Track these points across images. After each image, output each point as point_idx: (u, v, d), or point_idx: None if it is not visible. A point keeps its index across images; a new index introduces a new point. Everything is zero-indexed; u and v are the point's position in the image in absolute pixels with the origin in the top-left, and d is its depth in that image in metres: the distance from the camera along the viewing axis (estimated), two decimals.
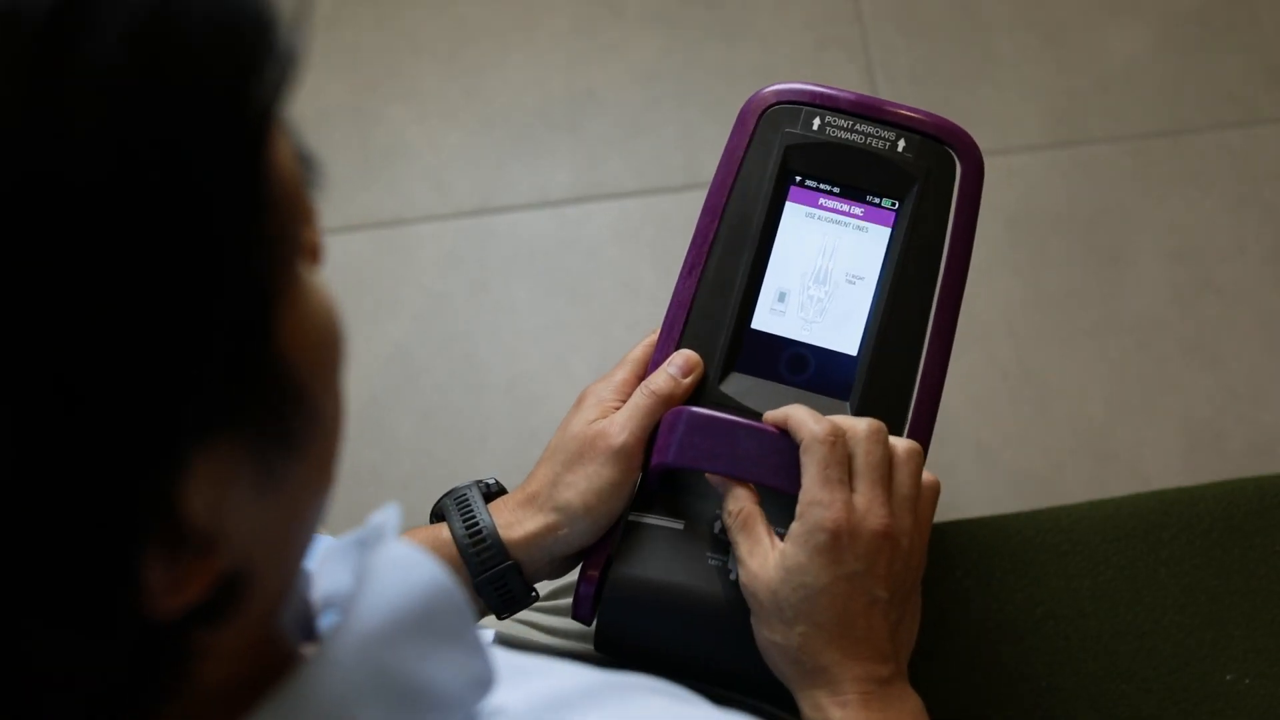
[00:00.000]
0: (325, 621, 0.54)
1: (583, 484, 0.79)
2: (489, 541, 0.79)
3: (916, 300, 0.83)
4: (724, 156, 0.87)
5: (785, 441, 0.77)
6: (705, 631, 0.79)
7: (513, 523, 0.80)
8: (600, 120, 1.70)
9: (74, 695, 0.37)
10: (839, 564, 0.71)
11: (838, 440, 0.73)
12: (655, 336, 0.85)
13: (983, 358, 1.55)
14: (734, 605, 0.78)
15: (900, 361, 0.83)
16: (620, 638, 0.81)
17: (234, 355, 0.36)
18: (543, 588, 0.92)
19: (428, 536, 0.80)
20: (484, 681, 0.48)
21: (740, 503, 0.76)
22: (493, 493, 0.85)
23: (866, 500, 0.73)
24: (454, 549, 0.79)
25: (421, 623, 0.46)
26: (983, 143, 1.65)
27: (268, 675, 0.44)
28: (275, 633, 0.47)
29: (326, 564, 0.56)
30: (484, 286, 1.61)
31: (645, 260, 1.60)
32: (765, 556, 0.74)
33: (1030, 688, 1.04)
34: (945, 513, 1.47)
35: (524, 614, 0.91)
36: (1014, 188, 1.65)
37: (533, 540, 0.80)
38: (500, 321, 1.59)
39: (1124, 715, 1.04)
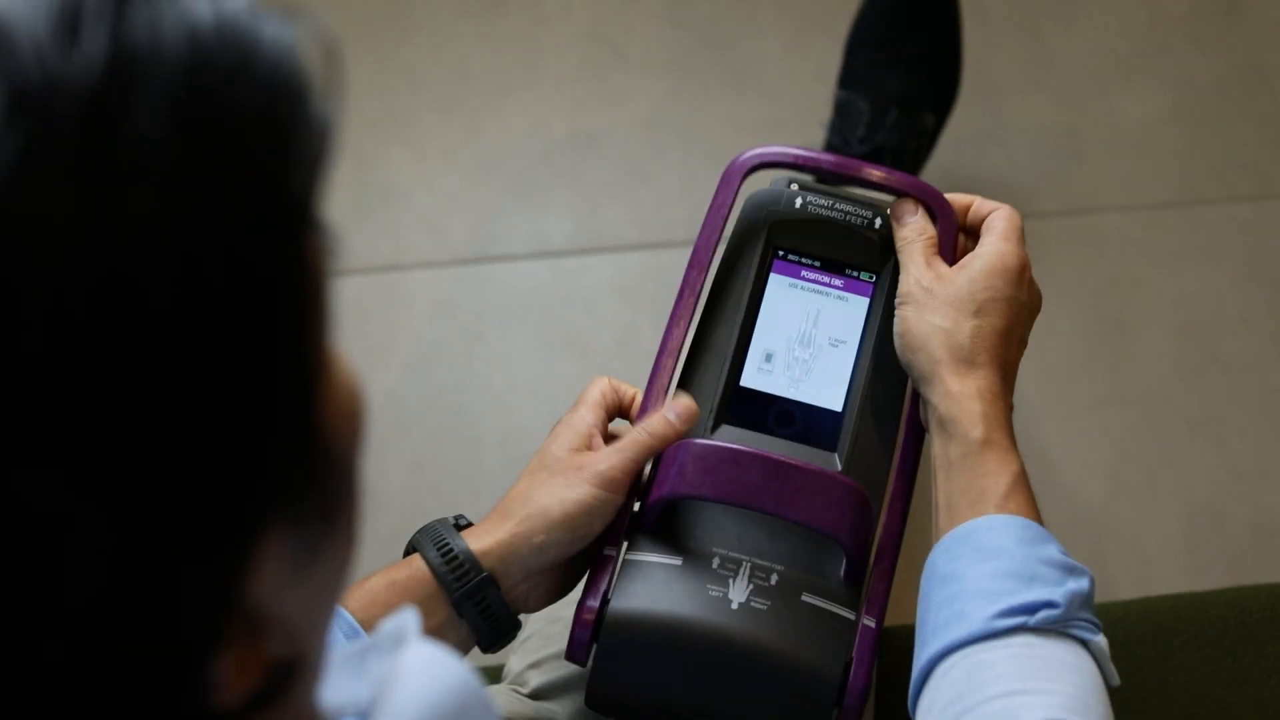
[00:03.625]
0: None
1: (562, 493, 0.80)
2: (463, 559, 0.78)
3: (897, 363, 0.86)
4: (709, 215, 0.91)
5: (788, 469, 0.80)
6: (707, 668, 0.79)
7: (484, 535, 0.80)
8: (602, 168, 1.67)
9: None
10: (1020, 289, 0.81)
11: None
12: (604, 379, 0.88)
13: None
14: (737, 638, 0.78)
15: (884, 417, 0.87)
16: (615, 686, 0.81)
17: (291, 435, 0.37)
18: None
19: (402, 569, 0.80)
20: None
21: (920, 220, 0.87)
22: (461, 526, 0.84)
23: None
24: (429, 577, 0.79)
25: None
26: None
27: None
28: (313, 713, 0.47)
29: (334, 673, 0.55)
30: (479, 337, 1.58)
31: (645, 315, 1.57)
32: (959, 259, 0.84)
33: None
34: None
35: (515, 698, 0.91)
36: None
37: (507, 548, 0.79)
38: (494, 374, 1.56)
39: None
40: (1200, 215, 1.65)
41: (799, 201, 0.91)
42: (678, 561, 0.81)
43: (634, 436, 0.82)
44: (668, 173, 1.67)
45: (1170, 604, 1.10)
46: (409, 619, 0.52)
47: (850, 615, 0.80)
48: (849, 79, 1.51)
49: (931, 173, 1.62)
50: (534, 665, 0.94)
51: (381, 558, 0.87)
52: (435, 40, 1.75)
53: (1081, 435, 1.54)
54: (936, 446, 0.79)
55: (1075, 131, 1.70)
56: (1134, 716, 1.01)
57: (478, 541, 0.80)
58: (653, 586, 0.80)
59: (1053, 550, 0.73)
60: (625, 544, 0.83)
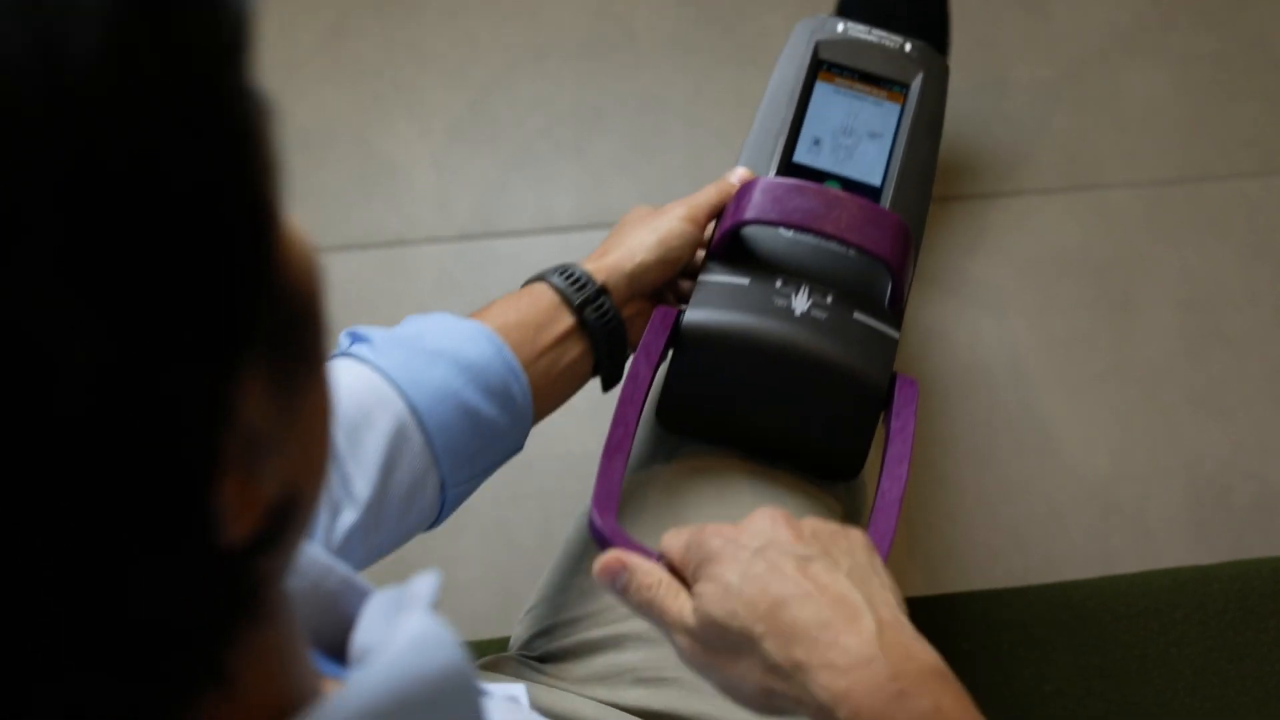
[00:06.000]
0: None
1: (652, 222, 0.94)
2: (579, 274, 0.91)
3: (924, 155, 1.02)
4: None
5: (845, 200, 0.90)
6: (772, 370, 0.90)
7: (588, 262, 0.93)
8: (608, 143, 1.67)
9: (168, 632, 0.37)
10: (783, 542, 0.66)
11: None
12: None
13: (987, 403, 1.53)
14: (800, 341, 0.90)
15: (915, 192, 1.00)
16: (686, 390, 0.94)
17: (259, 273, 0.38)
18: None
19: (522, 291, 0.92)
20: None
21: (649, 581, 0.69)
22: None
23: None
24: (549, 291, 0.91)
25: (425, 709, 0.45)
26: (995, 183, 1.63)
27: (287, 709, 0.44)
28: (300, 661, 0.47)
29: (372, 616, 0.56)
30: None
31: None
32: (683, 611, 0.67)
33: None
34: (952, 582, 1.45)
35: (525, 666, 0.93)
36: (1026, 230, 1.63)
37: (613, 266, 0.92)
38: None
39: None
40: (1205, 191, 1.65)
41: (841, 26, 1.07)
42: (745, 281, 0.92)
43: (703, 190, 0.97)
44: (673, 148, 1.67)
45: (1172, 578, 1.11)
46: (428, 583, 0.52)
47: (894, 334, 0.91)
48: None
49: None
50: (541, 634, 0.95)
51: None
52: (442, 15, 1.75)
53: (1085, 410, 1.54)
54: None
55: (1080, 106, 1.69)
56: (1137, 689, 1.02)
57: (589, 264, 0.93)
58: (724, 300, 0.92)
59: None
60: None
